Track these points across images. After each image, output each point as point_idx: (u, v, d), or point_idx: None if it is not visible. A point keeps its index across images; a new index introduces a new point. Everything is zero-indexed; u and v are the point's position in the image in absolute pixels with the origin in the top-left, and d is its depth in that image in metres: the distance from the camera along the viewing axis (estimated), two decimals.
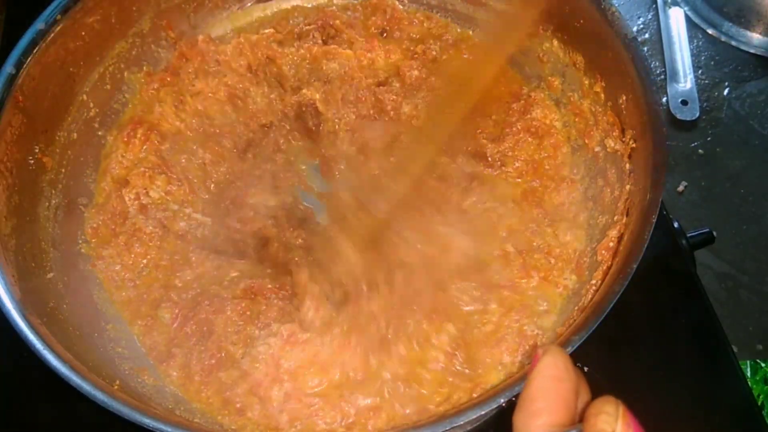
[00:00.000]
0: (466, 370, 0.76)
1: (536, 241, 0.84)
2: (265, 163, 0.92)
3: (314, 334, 0.77)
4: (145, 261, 0.85)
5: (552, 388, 0.45)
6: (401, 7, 1.04)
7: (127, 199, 0.88)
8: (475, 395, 0.74)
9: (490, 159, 0.89)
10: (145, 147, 0.92)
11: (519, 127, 0.91)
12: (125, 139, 0.92)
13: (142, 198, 0.88)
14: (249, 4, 1.04)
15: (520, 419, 0.45)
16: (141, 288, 0.84)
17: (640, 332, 0.92)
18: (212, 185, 0.91)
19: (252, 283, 0.82)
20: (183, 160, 0.92)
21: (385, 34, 1.03)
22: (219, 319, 0.79)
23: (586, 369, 0.82)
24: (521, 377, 0.65)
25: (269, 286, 0.82)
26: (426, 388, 0.75)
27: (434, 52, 0.99)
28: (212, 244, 0.86)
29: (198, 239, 0.87)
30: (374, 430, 0.73)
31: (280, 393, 0.74)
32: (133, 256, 0.85)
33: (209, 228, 0.88)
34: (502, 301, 0.80)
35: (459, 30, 1.03)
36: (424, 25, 1.03)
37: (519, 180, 0.89)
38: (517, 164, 0.89)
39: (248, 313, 0.80)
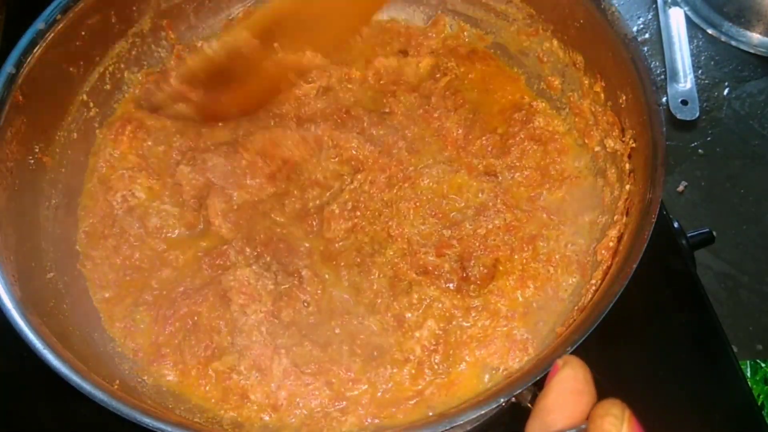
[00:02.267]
0: (442, 368, 0.77)
1: (540, 245, 0.84)
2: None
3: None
4: (129, 262, 0.85)
5: (570, 402, 0.44)
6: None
7: (114, 202, 0.88)
8: (448, 394, 0.75)
9: (500, 177, 0.89)
10: (132, 144, 0.92)
11: (522, 137, 0.91)
12: (113, 137, 0.92)
13: (129, 200, 0.88)
14: (250, 6, 1.04)
15: (534, 429, 0.45)
16: (122, 289, 0.83)
17: (640, 332, 0.92)
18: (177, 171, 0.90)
19: (215, 252, 0.83)
20: (161, 150, 0.91)
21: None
22: (202, 309, 0.79)
23: None
24: (520, 377, 0.65)
25: (231, 251, 0.83)
26: (402, 378, 0.76)
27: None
28: (180, 233, 0.87)
29: (168, 232, 0.86)
30: (366, 412, 0.75)
31: (279, 368, 0.75)
32: (120, 258, 0.85)
33: (174, 217, 0.87)
34: (487, 306, 0.80)
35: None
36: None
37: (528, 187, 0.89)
38: (526, 173, 0.89)
39: (221, 294, 0.80)
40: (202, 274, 0.83)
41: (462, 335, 0.79)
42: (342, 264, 0.83)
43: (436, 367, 0.77)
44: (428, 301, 0.80)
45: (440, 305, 0.79)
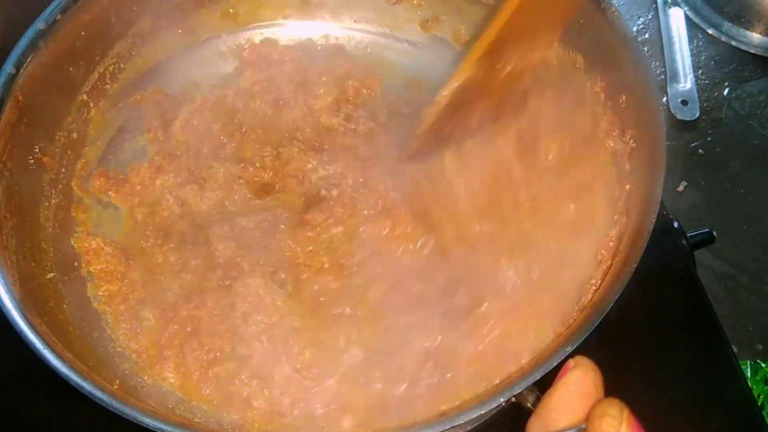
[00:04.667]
0: (437, 379, 0.75)
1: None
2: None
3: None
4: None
5: (575, 403, 0.44)
6: None
7: None
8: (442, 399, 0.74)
9: None
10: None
11: None
12: None
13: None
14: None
15: (535, 426, 0.45)
16: (124, 289, 0.83)
17: (640, 332, 0.92)
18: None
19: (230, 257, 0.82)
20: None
21: None
22: (202, 313, 0.79)
23: None
24: (520, 377, 0.65)
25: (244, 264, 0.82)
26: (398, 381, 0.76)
27: None
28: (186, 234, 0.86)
29: (176, 230, 0.86)
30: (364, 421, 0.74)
31: (282, 375, 0.75)
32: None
33: (177, 214, 0.87)
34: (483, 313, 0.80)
35: None
36: None
37: None
38: None
39: (225, 301, 0.80)
40: (209, 281, 0.82)
41: (456, 347, 0.78)
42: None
43: (429, 379, 0.76)
44: (420, 310, 0.79)
45: (432, 315, 0.79)
